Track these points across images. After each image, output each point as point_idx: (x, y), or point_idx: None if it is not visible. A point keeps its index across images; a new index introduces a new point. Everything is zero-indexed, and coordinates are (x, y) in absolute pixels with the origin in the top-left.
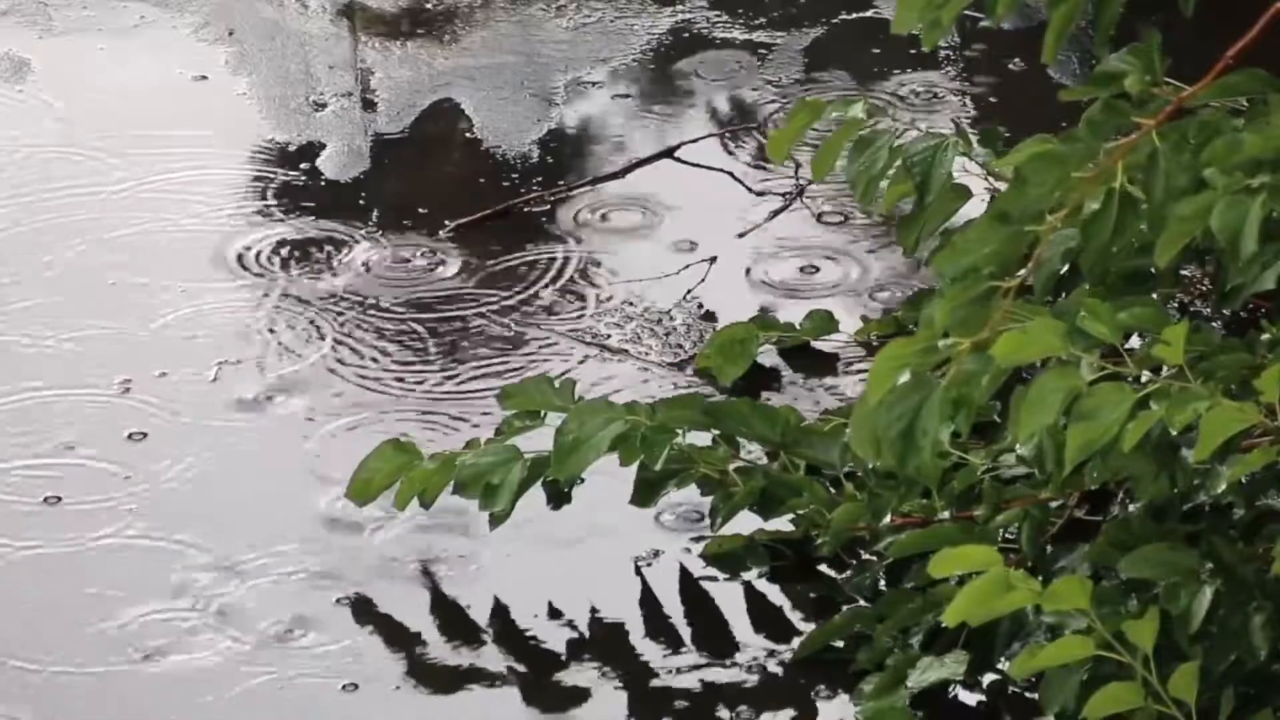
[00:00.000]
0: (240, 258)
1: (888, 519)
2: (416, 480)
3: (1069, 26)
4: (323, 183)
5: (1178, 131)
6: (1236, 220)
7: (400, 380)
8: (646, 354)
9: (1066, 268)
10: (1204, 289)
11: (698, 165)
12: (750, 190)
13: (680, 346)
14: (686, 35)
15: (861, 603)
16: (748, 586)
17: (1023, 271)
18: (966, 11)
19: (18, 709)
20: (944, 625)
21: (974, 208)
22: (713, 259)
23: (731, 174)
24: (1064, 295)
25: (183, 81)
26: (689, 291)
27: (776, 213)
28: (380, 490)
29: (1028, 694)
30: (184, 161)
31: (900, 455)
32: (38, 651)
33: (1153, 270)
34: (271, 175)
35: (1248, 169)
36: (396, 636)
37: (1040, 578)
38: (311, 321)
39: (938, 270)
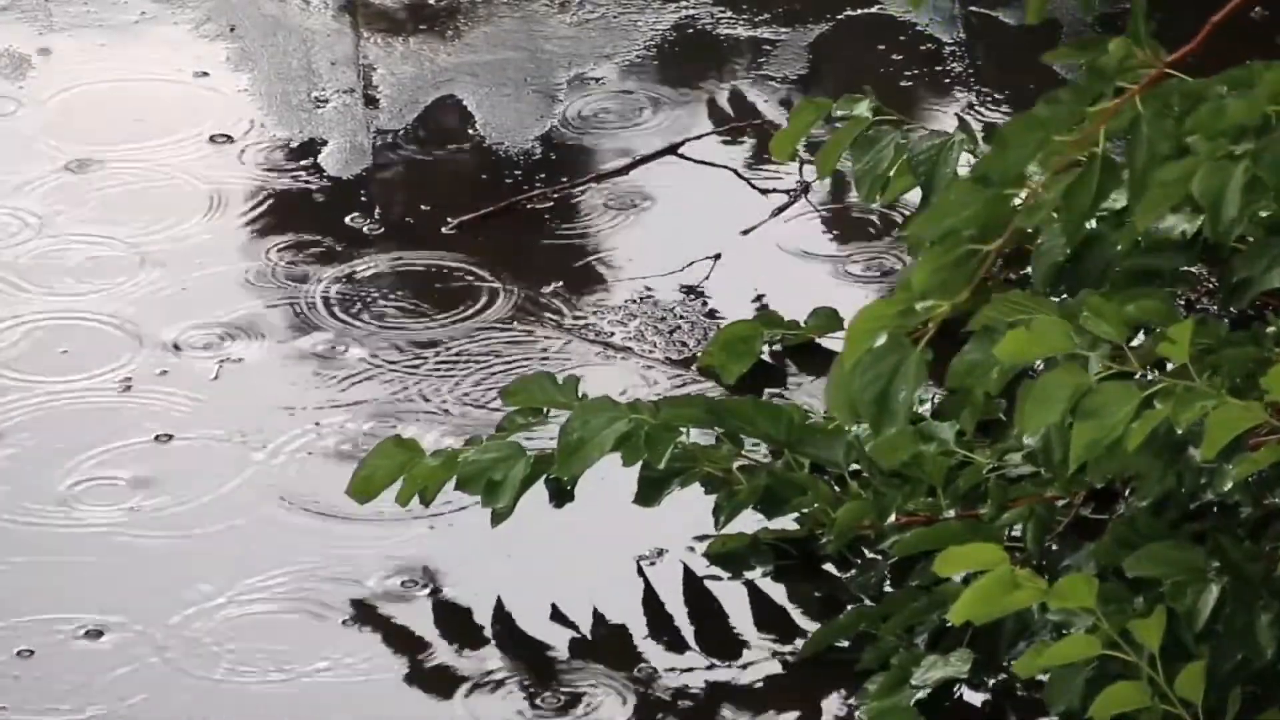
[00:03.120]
0: (242, 255)
1: (892, 518)
2: (418, 477)
3: None
4: (324, 180)
5: (1160, 97)
6: (1218, 185)
7: (402, 377)
8: (650, 352)
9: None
10: (1210, 286)
11: (701, 162)
12: (754, 187)
13: (684, 344)
14: (690, 31)
15: (866, 602)
16: (751, 586)
17: (1002, 242)
18: (971, 8)
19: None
20: (949, 624)
21: None
22: (716, 256)
23: (735, 171)
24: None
25: (184, 78)
26: (692, 289)
27: (781, 209)
28: (381, 488)
29: (1033, 693)
30: (185, 159)
31: (875, 419)
32: None
33: (1158, 269)
34: (273, 172)
35: (1231, 135)
36: (399, 638)
37: (1046, 576)
38: (312, 318)
39: (916, 234)
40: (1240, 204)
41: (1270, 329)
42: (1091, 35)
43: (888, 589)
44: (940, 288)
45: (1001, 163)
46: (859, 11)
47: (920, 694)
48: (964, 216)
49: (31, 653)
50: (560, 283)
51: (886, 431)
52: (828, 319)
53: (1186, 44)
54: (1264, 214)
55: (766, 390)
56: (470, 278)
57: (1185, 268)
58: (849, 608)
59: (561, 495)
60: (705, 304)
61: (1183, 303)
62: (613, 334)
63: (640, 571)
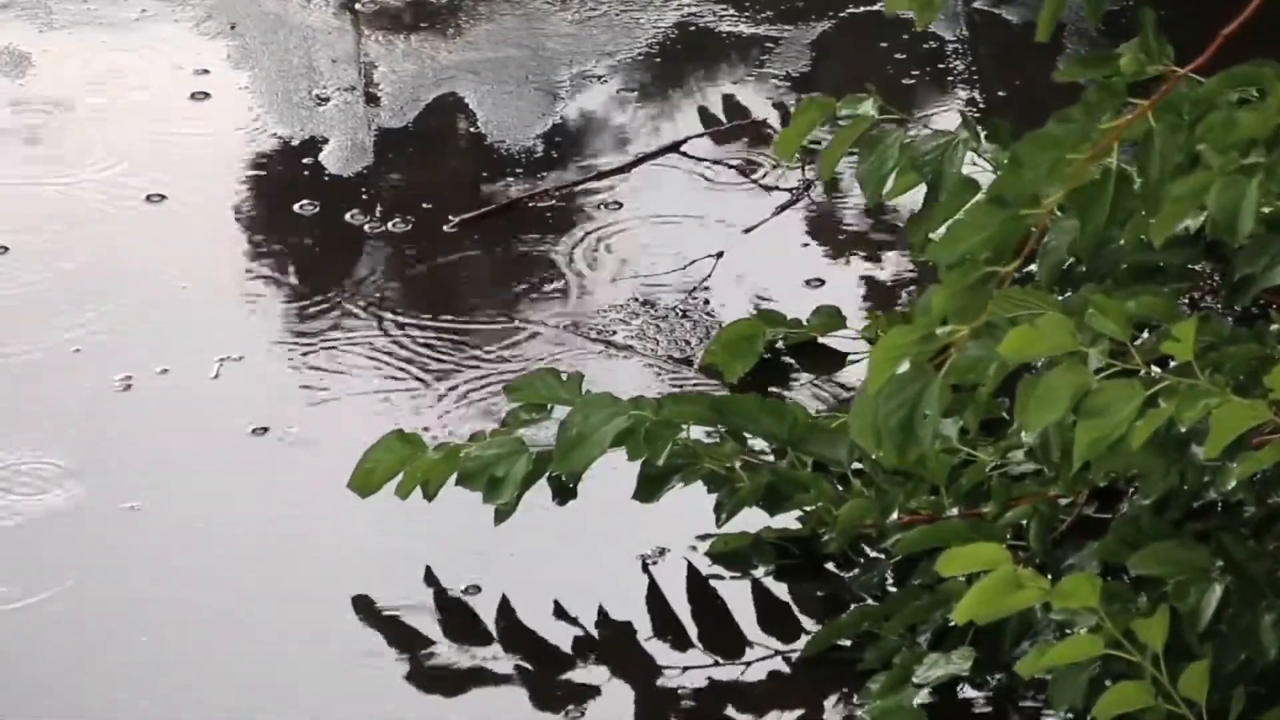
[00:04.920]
0: (242, 255)
1: (895, 516)
2: (419, 471)
3: (1063, 4)
4: (325, 178)
5: (1173, 111)
6: (1234, 200)
7: (405, 374)
8: (652, 350)
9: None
10: (1214, 284)
11: (704, 160)
12: (757, 185)
13: (686, 343)
14: (692, 29)
15: (869, 601)
16: (754, 584)
17: (1019, 260)
18: (975, 5)
19: None
20: (952, 623)
21: None
22: (719, 254)
23: (739, 169)
24: (1066, 285)
25: (184, 76)
26: (695, 287)
27: (784, 207)
28: (383, 482)
29: (1036, 693)
30: (186, 157)
31: (899, 445)
32: None
33: (1161, 265)
34: (274, 170)
35: (1244, 148)
36: (403, 636)
37: (1049, 576)
38: (314, 316)
39: (933, 258)
40: (1256, 218)
41: (1274, 327)
42: (1095, 36)
43: (890, 588)
44: (960, 313)
45: (1016, 182)
46: (861, 9)
47: (922, 693)
48: (980, 239)
49: None
50: (562, 281)
51: (911, 457)
52: (830, 318)
53: (1189, 46)
54: (1266, 210)
55: (769, 389)
56: (471, 275)
57: (1189, 264)
58: (851, 607)
59: (564, 493)
60: (708, 302)
61: (1186, 300)
62: (615, 332)
63: (644, 569)
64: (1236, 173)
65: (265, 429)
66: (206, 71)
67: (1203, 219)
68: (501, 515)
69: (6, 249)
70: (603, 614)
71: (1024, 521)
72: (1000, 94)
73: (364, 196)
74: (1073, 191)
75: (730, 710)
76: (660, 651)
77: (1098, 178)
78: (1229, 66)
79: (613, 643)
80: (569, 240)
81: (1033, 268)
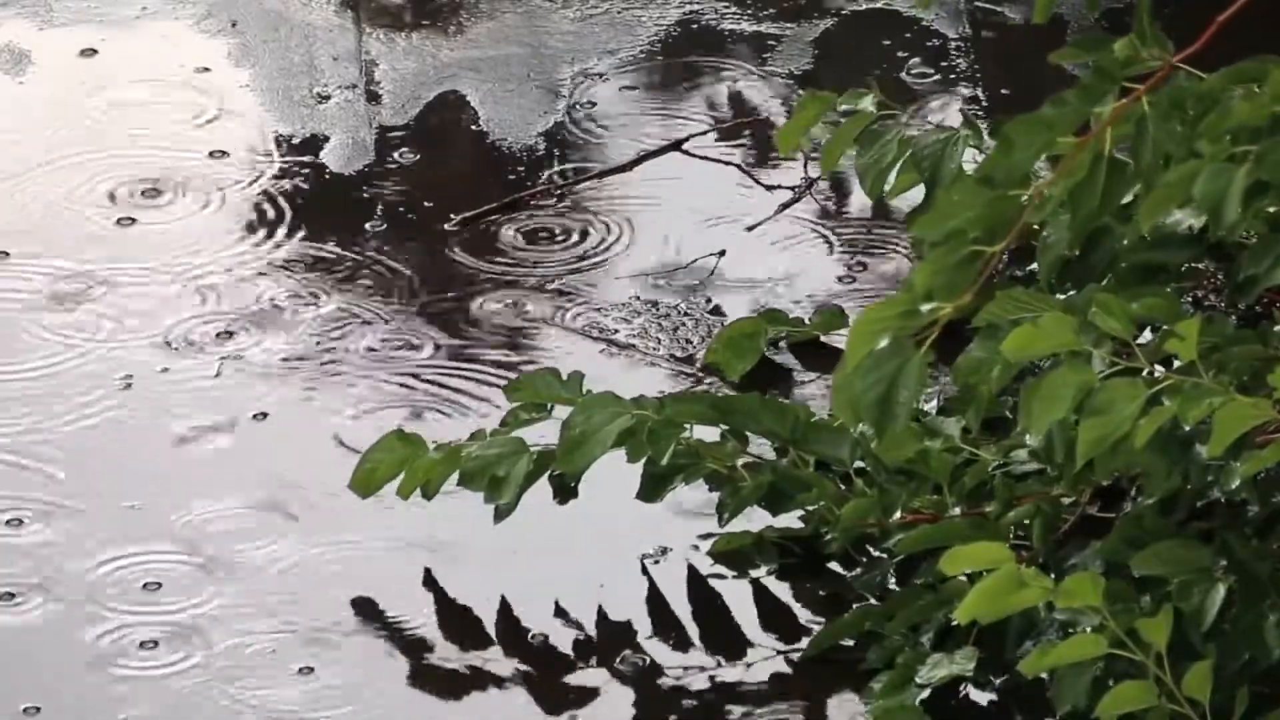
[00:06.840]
0: (243, 253)
1: (898, 515)
2: (420, 470)
3: None
4: (326, 176)
5: (1167, 97)
6: (1220, 187)
7: (405, 373)
8: (654, 349)
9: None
10: (1218, 283)
11: (706, 158)
12: (759, 183)
13: (688, 341)
14: (695, 26)
15: (871, 600)
16: (756, 584)
17: (1006, 241)
18: (978, 3)
19: None
20: (955, 623)
21: None
22: (721, 253)
23: (740, 167)
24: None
25: (185, 73)
26: (697, 286)
27: (786, 206)
28: (384, 482)
29: (1039, 692)
30: (185, 154)
31: (877, 421)
32: None
33: (1165, 265)
34: (274, 168)
35: (1245, 137)
36: (402, 636)
37: (1052, 575)
38: (314, 315)
39: (918, 233)
40: (1241, 207)
41: (1277, 327)
42: (1098, 33)
43: (893, 587)
44: (944, 289)
45: (1006, 163)
46: (864, 6)
47: (925, 693)
48: (968, 217)
49: None
50: (563, 280)
51: (888, 434)
52: (832, 317)
53: (1190, 43)
54: (1271, 209)
55: (770, 388)
56: (473, 274)
57: (1192, 263)
58: (854, 606)
59: (565, 492)
60: (709, 301)
61: (1190, 299)
62: (616, 331)
63: (644, 570)
64: (1226, 160)
65: (265, 426)
66: (207, 69)
67: (1205, 218)
68: (501, 514)
69: (7, 254)
70: (603, 614)
71: (1027, 521)
72: (1003, 92)
73: (365, 194)
74: (1064, 175)
75: (731, 711)
76: (661, 651)
77: (1089, 163)
78: (1228, 56)
79: (613, 642)
80: (569, 238)
81: (1034, 266)
